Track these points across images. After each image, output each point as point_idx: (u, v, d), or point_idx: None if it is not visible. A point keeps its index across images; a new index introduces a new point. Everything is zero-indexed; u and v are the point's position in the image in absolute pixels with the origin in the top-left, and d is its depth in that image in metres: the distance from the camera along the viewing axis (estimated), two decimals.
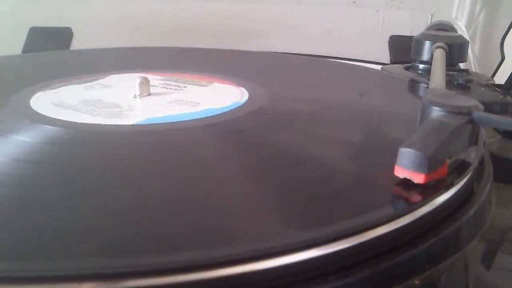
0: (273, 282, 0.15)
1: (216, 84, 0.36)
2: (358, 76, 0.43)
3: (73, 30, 0.56)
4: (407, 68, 0.44)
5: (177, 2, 0.64)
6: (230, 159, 0.23)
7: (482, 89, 0.38)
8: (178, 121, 0.27)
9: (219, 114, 0.29)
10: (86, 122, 0.27)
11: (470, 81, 0.37)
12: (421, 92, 0.37)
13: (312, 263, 0.16)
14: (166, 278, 0.14)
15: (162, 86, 0.36)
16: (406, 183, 0.19)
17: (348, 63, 0.48)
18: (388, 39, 0.59)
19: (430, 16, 0.63)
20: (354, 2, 0.65)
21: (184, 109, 0.30)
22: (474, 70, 0.53)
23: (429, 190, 0.19)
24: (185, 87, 0.35)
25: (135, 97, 0.32)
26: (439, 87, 0.28)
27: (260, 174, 0.22)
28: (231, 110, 0.30)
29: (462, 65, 0.43)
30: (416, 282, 0.18)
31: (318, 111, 0.31)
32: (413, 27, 0.54)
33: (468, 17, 0.61)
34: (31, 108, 0.29)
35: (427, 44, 0.41)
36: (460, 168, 0.21)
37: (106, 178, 0.21)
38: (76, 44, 0.56)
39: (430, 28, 0.46)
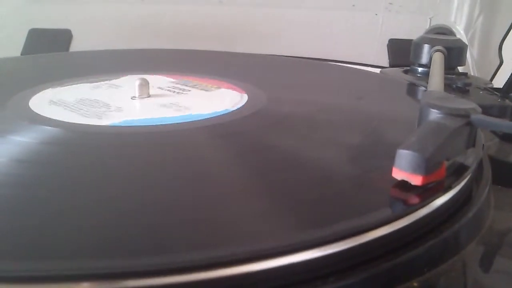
0: (272, 283, 0.15)
1: (222, 89, 0.35)
2: (357, 79, 0.43)
3: (73, 32, 0.56)
4: (406, 72, 0.44)
5: (176, 5, 0.64)
6: (228, 162, 0.23)
7: (481, 92, 0.38)
8: (154, 125, 0.27)
9: (203, 119, 0.28)
10: (69, 121, 0.27)
11: (469, 84, 0.38)
12: (419, 95, 0.37)
13: (310, 265, 0.16)
14: (164, 279, 0.14)
15: (168, 88, 0.35)
16: (404, 185, 0.19)
17: (347, 66, 0.48)
18: (387, 42, 0.59)
19: (429, 19, 0.64)
20: (353, 5, 0.65)
21: (170, 113, 0.29)
22: (472, 74, 0.53)
23: (427, 192, 0.19)
24: (190, 90, 0.35)
25: (132, 99, 0.32)
26: (438, 90, 0.28)
27: (256, 176, 0.22)
28: (218, 116, 0.29)
29: (460, 69, 0.44)
30: (415, 284, 0.18)
31: (317, 113, 0.31)
32: (412, 31, 0.54)
33: (467, 21, 0.61)
34: (30, 108, 0.29)
35: (426, 47, 0.41)
36: (458, 170, 0.21)
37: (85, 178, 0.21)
38: (76, 46, 0.56)
39: (429, 31, 0.46)
